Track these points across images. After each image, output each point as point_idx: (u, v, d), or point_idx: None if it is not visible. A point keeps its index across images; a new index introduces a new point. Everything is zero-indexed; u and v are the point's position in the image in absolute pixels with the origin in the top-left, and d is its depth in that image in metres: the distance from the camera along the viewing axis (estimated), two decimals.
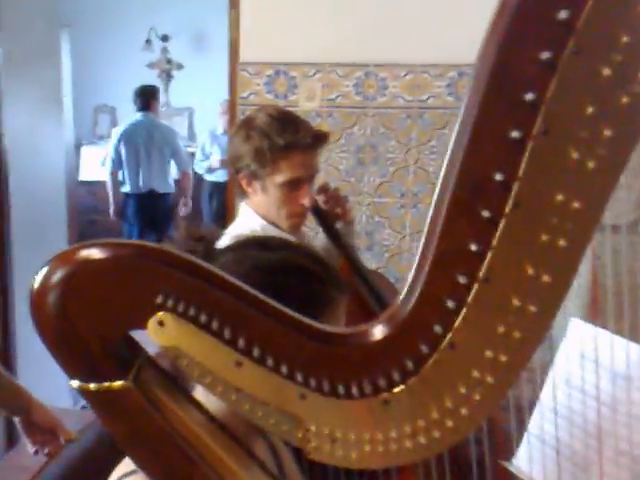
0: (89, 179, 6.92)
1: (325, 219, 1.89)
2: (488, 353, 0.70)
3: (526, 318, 0.69)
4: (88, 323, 0.68)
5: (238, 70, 2.68)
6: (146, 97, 5.38)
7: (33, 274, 0.68)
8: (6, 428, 2.95)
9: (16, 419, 1.50)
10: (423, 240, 0.69)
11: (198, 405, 0.83)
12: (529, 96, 0.64)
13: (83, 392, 0.71)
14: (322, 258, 0.95)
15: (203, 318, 0.68)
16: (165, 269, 0.68)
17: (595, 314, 2.23)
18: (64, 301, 0.67)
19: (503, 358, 0.70)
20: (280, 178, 1.67)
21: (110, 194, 5.47)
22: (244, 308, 0.69)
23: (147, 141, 5.31)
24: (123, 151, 5.33)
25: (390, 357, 0.70)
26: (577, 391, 1.26)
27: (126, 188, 5.46)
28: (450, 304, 0.68)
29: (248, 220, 1.74)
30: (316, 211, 1.87)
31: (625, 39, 0.63)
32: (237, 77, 2.69)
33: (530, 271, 0.68)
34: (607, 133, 0.65)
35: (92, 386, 0.71)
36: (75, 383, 0.71)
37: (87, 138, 7.85)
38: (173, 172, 5.70)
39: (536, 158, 0.65)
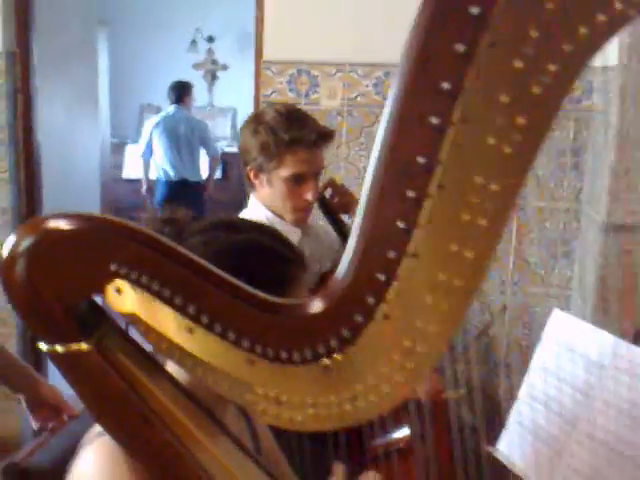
0: (133, 177, 7.10)
1: (332, 213, 1.97)
2: (418, 323, 0.76)
3: (452, 291, 0.75)
4: (51, 288, 0.77)
5: (262, 69, 2.78)
6: (179, 92, 5.67)
7: None
8: None
9: (21, 396, 1.61)
10: (357, 220, 0.76)
11: (167, 375, 0.92)
12: (448, 86, 0.70)
13: (50, 354, 0.80)
14: (287, 240, 1.03)
15: (156, 286, 0.76)
16: (122, 240, 0.77)
17: (602, 312, 2.25)
18: (29, 268, 0.76)
19: (432, 328, 0.76)
20: (285, 172, 1.74)
21: (142, 174, 5.86)
22: (195, 279, 0.78)
23: (178, 132, 5.59)
24: (156, 141, 5.61)
25: (329, 327, 0.77)
26: (555, 378, 1.31)
27: (159, 174, 5.67)
28: (382, 277, 0.75)
29: (255, 211, 1.82)
30: (323, 205, 1.95)
31: (535, 34, 0.70)
32: (260, 75, 2.78)
33: (454, 247, 0.74)
34: (521, 121, 0.71)
35: (58, 348, 0.80)
36: (44, 346, 0.80)
37: (132, 137, 8.05)
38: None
39: (456, 143, 0.72)
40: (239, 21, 7.54)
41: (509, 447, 1.35)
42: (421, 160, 0.72)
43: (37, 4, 3.10)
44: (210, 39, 8.23)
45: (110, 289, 0.77)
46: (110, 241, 0.77)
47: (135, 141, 7.86)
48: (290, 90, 2.78)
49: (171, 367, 0.94)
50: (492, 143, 0.72)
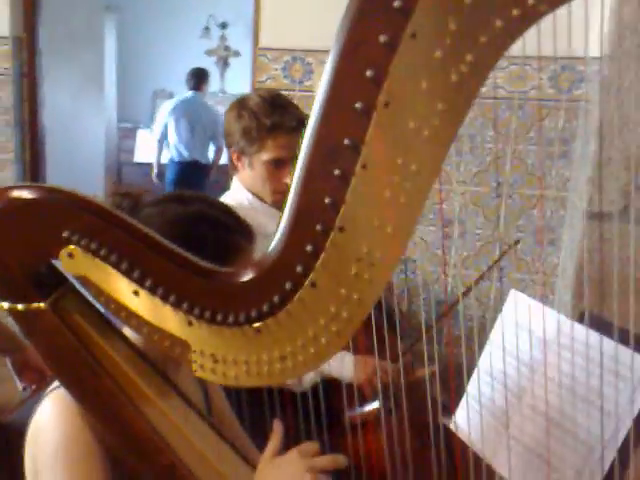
0: (143, 161, 7.19)
1: None
2: (343, 291, 0.83)
3: (374, 262, 0.82)
4: (11, 252, 0.85)
5: (258, 55, 2.84)
6: (198, 78, 5.80)
7: None
8: None
9: (7, 359, 1.70)
10: (289, 197, 0.82)
11: (121, 336, 0.99)
12: (372, 73, 0.76)
13: (11, 312, 0.88)
14: (234, 212, 1.09)
15: (104, 252, 0.84)
16: (75, 210, 0.84)
17: (580, 298, 2.31)
18: None
19: (355, 296, 0.83)
20: (265, 156, 1.80)
21: (155, 158, 5.89)
22: (141, 246, 0.85)
23: (194, 116, 5.72)
24: (171, 123, 5.72)
25: (261, 293, 0.84)
26: (506, 354, 1.37)
27: (172, 155, 5.80)
28: (310, 248, 0.82)
29: (236, 193, 1.88)
30: None
31: (453, 26, 0.75)
32: (257, 62, 2.84)
33: (376, 222, 0.81)
34: (440, 106, 0.77)
35: (19, 307, 0.87)
36: (5, 304, 0.87)
37: (144, 122, 8.13)
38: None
39: (379, 126, 0.78)
40: (252, 8, 7.54)
41: (463, 419, 1.41)
42: (347, 141, 0.79)
43: None
44: (223, 25, 8.28)
45: (64, 254, 0.84)
46: (64, 211, 0.84)
47: (147, 126, 7.95)
48: (285, 77, 2.83)
49: (128, 330, 1.01)
50: (413, 127, 0.78)
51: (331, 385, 1.80)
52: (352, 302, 0.83)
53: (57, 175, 3.41)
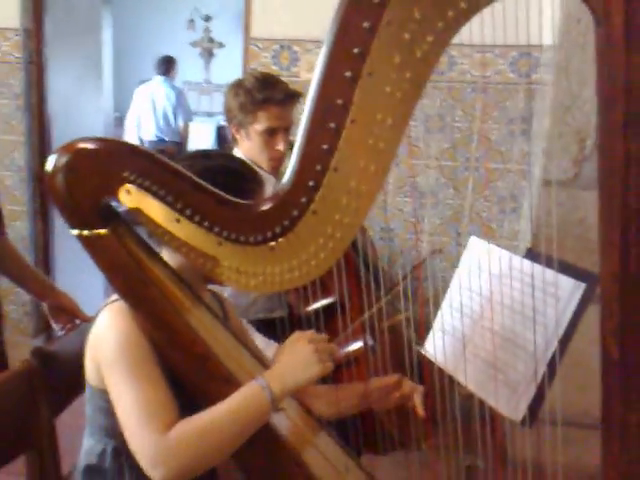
0: None
1: None
2: (337, 217, 1.07)
3: (360, 194, 1.06)
4: (81, 190, 1.08)
5: (249, 44, 3.07)
6: (164, 65, 6.41)
7: None
8: None
9: (44, 304, 1.92)
10: (296, 146, 1.06)
11: (161, 258, 1.22)
12: (358, 50, 1.00)
13: (80, 237, 1.11)
14: (249, 164, 1.34)
15: (154, 188, 1.07)
16: (131, 155, 1.07)
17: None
18: (66, 176, 1.07)
19: (346, 220, 1.07)
20: (259, 127, 2.03)
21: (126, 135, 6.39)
22: (182, 184, 1.08)
23: (161, 98, 6.31)
24: (141, 104, 6.32)
25: (274, 219, 1.08)
26: (467, 290, 1.62)
27: (141, 134, 6.29)
28: (312, 184, 1.06)
29: None
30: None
31: (418, 15, 0.99)
32: (248, 51, 3.07)
33: (362, 163, 1.05)
34: (408, 75, 1.02)
35: (85, 232, 1.10)
36: (75, 231, 1.11)
37: None
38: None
39: (364, 90, 1.02)
40: (235, 1, 7.73)
41: (432, 346, 1.66)
42: (339, 101, 1.02)
43: None
44: (207, 18, 8.46)
45: (122, 190, 1.07)
46: (123, 156, 1.07)
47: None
48: (274, 64, 3.06)
49: (164, 255, 1.24)
50: (388, 91, 1.02)
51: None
52: (343, 225, 1.08)
53: None
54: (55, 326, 1.93)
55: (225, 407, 1.11)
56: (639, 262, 0.94)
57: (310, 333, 1.19)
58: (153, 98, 6.29)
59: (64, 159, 1.08)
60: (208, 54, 8.78)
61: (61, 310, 1.91)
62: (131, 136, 6.26)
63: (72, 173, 1.08)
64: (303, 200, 1.06)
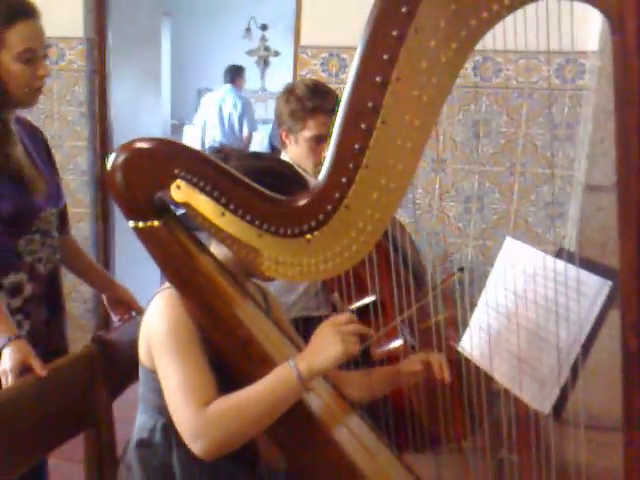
0: None
1: None
2: (368, 211, 1.16)
3: (389, 190, 1.14)
4: (137, 185, 1.19)
5: (299, 52, 3.18)
6: (231, 73, 6.69)
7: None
8: None
9: (104, 296, 2.06)
10: (330, 146, 1.15)
11: (209, 251, 1.33)
12: (387, 57, 1.09)
13: (135, 229, 1.22)
14: (294, 168, 1.43)
15: (202, 184, 1.17)
16: (182, 154, 1.18)
17: None
18: (124, 173, 1.19)
19: (376, 215, 1.16)
20: (308, 133, 2.12)
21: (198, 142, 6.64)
22: (227, 181, 1.19)
23: (228, 106, 6.54)
24: (209, 111, 6.59)
25: (310, 213, 1.17)
26: (502, 289, 1.68)
27: (205, 139, 6.56)
28: (345, 180, 1.15)
29: None
30: None
31: (443, 24, 1.07)
32: (298, 58, 3.18)
33: (391, 162, 1.13)
34: (434, 80, 1.10)
35: (140, 224, 1.21)
36: (131, 223, 1.22)
37: (190, 118, 8.54)
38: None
39: (393, 93, 1.10)
40: (291, 10, 7.86)
41: (468, 343, 1.72)
42: (370, 104, 1.11)
43: None
44: (263, 27, 8.62)
45: (173, 186, 1.18)
46: (174, 155, 1.18)
47: (192, 122, 8.35)
48: (322, 71, 3.16)
49: (212, 248, 1.35)
50: (416, 94, 1.10)
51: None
52: (374, 220, 1.16)
53: None
54: (113, 316, 2.06)
55: (259, 386, 1.21)
56: None
57: (336, 317, 1.26)
58: (221, 105, 6.54)
59: (122, 157, 1.20)
60: (264, 62, 8.96)
61: (119, 302, 2.05)
62: (195, 140, 6.50)
63: (129, 170, 1.19)
64: (337, 196, 1.15)
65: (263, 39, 8.73)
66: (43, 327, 1.87)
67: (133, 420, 1.47)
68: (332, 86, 2.35)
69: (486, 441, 1.82)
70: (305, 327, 1.97)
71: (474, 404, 1.71)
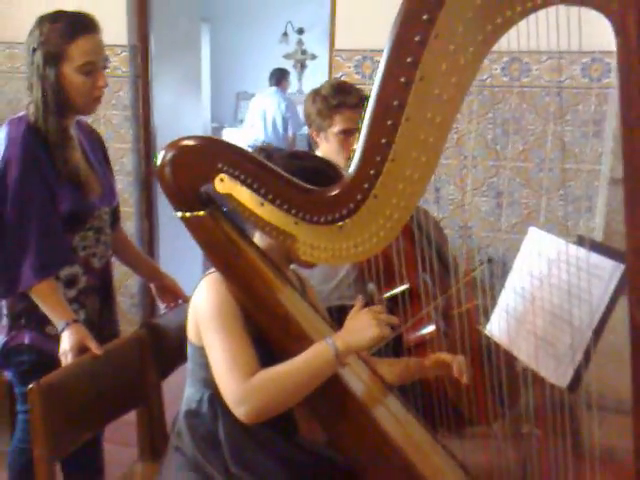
0: None
1: None
2: (394, 200, 1.27)
3: (413, 181, 1.25)
4: (185, 178, 1.33)
5: (333, 56, 3.30)
6: (276, 76, 6.99)
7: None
8: None
9: (152, 285, 2.21)
10: (359, 140, 1.26)
11: (250, 239, 1.45)
12: (411, 59, 1.20)
13: (182, 218, 1.35)
14: (332, 164, 1.55)
15: (243, 177, 1.30)
16: (225, 150, 1.31)
17: None
18: (172, 167, 1.32)
19: (402, 203, 1.27)
20: (336, 129, 2.23)
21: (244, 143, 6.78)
22: (265, 174, 1.31)
23: (273, 107, 6.80)
24: (255, 113, 6.84)
25: (342, 202, 1.29)
26: (526, 274, 1.77)
27: (250, 141, 6.70)
28: (373, 172, 1.26)
29: None
30: None
31: (461, 29, 1.18)
32: (333, 61, 3.30)
33: (415, 155, 1.24)
34: (453, 80, 1.20)
35: (187, 214, 1.34)
36: (179, 213, 1.35)
37: (229, 122, 8.72)
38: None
39: (416, 93, 1.21)
40: (326, 13, 7.96)
41: (494, 326, 1.82)
42: (395, 102, 1.22)
43: (153, 5, 3.71)
44: (300, 31, 8.74)
45: (217, 179, 1.31)
46: (217, 150, 1.31)
47: (232, 125, 8.54)
48: (357, 73, 3.28)
49: (255, 238, 1.47)
50: (437, 93, 1.21)
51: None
52: (400, 208, 1.28)
53: None
54: (160, 304, 2.20)
55: (298, 360, 1.33)
56: None
57: (372, 307, 1.38)
58: (264, 108, 6.79)
59: (170, 154, 1.33)
60: (300, 66, 9.09)
61: (166, 290, 2.19)
62: (241, 141, 6.69)
63: (177, 165, 1.32)
64: (366, 186, 1.27)
65: (300, 43, 8.85)
66: (96, 316, 2.02)
67: (181, 400, 1.60)
68: (366, 87, 2.46)
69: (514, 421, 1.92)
70: (339, 315, 2.09)
71: (503, 388, 1.81)
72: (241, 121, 8.76)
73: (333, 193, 1.30)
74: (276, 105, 6.75)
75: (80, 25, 1.84)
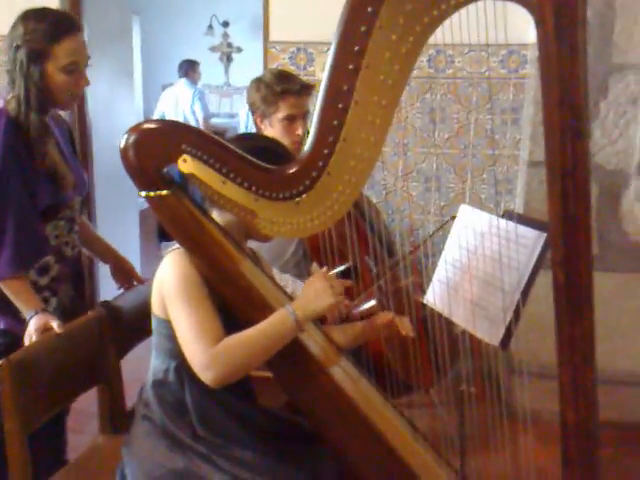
0: None
1: None
2: (346, 177, 1.38)
3: (363, 159, 1.37)
4: (148, 159, 1.41)
5: (268, 47, 3.40)
6: (184, 68, 7.06)
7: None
8: None
9: (109, 265, 2.26)
10: (313, 122, 1.37)
11: (211, 217, 1.54)
12: (358, 48, 1.31)
13: (147, 197, 1.43)
14: (281, 144, 1.66)
15: (205, 157, 1.39)
16: (186, 132, 1.40)
17: None
18: (135, 150, 1.40)
19: (353, 179, 1.39)
20: (280, 115, 2.33)
21: None
22: (227, 154, 1.40)
23: (183, 98, 6.89)
24: (166, 105, 6.94)
25: (298, 179, 1.39)
26: (458, 247, 1.92)
27: None
28: (326, 151, 1.37)
29: None
30: None
31: (402, 20, 1.30)
32: (267, 53, 3.40)
33: (364, 135, 1.36)
34: (396, 67, 1.32)
35: (151, 194, 1.43)
36: (143, 193, 1.43)
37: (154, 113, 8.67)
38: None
39: (363, 78, 1.32)
40: (251, 7, 8.03)
41: (431, 295, 1.97)
42: (345, 87, 1.33)
43: None
44: (225, 24, 8.77)
45: (180, 160, 1.39)
46: (180, 132, 1.40)
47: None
48: (291, 64, 3.39)
49: (213, 215, 1.56)
50: (382, 79, 1.33)
51: None
52: (351, 184, 1.39)
53: (101, 151, 3.96)
54: (115, 284, 2.26)
55: (260, 327, 1.43)
56: (576, 206, 1.22)
57: (326, 272, 1.50)
58: (177, 99, 6.85)
59: (134, 137, 1.41)
60: (227, 58, 9.11)
61: (121, 272, 2.25)
62: None
63: (140, 147, 1.40)
64: (320, 164, 1.38)
65: (225, 36, 8.88)
66: (69, 303, 2.08)
67: (140, 378, 1.68)
68: (302, 78, 2.57)
69: (449, 382, 2.08)
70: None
71: (439, 355, 1.96)
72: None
73: (291, 171, 1.40)
74: (186, 96, 6.87)
75: (65, 25, 1.88)
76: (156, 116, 6.97)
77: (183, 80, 6.93)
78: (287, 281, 2.16)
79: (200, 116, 6.77)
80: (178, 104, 6.82)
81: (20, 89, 1.86)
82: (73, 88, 1.93)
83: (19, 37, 1.85)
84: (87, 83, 1.96)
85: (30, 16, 1.87)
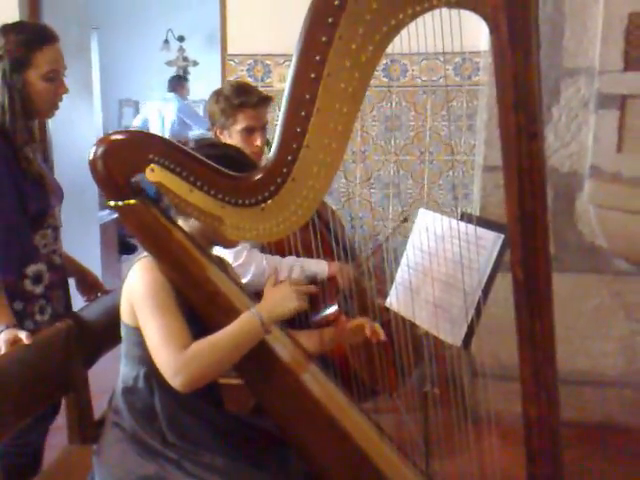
0: None
1: None
2: (310, 182, 1.40)
3: (326, 164, 1.38)
4: (116, 170, 1.40)
5: (226, 60, 3.41)
6: (172, 83, 7.41)
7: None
8: None
9: (74, 279, 2.24)
10: (277, 129, 1.38)
11: (178, 225, 1.54)
12: (319, 57, 1.32)
13: (115, 207, 1.43)
14: (242, 151, 1.66)
15: (172, 166, 1.39)
16: (154, 142, 1.40)
17: None
18: (104, 161, 1.40)
19: (317, 186, 1.40)
20: (239, 126, 2.35)
21: None
22: (193, 162, 1.41)
23: (168, 112, 7.14)
24: (152, 118, 7.12)
25: (263, 186, 1.40)
26: (418, 250, 1.95)
27: None
28: (290, 158, 1.38)
29: None
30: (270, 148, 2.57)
31: (361, 31, 1.32)
32: (225, 65, 3.41)
33: (326, 141, 1.37)
34: (356, 75, 1.34)
35: (120, 203, 1.42)
36: (112, 202, 1.42)
37: (113, 127, 8.58)
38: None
39: (325, 87, 1.34)
40: (206, 21, 8.01)
41: (393, 298, 1.99)
42: (307, 96, 1.34)
43: (44, 12, 3.68)
44: (181, 38, 8.73)
45: (148, 169, 1.39)
46: (147, 143, 1.40)
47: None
48: (249, 76, 3.40)
49: (179, 222, 1.56)
50: (343, 87, 1.34)
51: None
52: (315, 189, 1.41)
53: (61, 165, 3.91)
54: (82, 297, 2.24)
55: (227, 330, 1.44)
56: (533, 204, 1.25)
57: (290, 279, 1.52)
58: (162, 113, 7.15)
59: (102, 148, 1.40)
60: (184, 72, 9.07)
61: (86, 284, 2.23)
62: None
63: (108, 158, 1.40)
64: (284, 170, 1.39)
65: (181, 50, 8.84)
66: (63, 310, 2.09)
67: (108, 389, 1.66)
68: (259, 89, 2.58)
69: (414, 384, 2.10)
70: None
71: (404, 359, 1.98)
72: (126, 127, 8.66)
73: (255, 178, 1.41)
74: (172, 110, 7.09)
75: (45, 35, 1.95)
76: (137, 122, 7.26)
77: (171, 95, 7.27)
78: (292, 265, 2.22)
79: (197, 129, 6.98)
80: (165, 119, 7.05)
81: (4, 97, 1.90)
82: (53, 96, 1.98)
83: (0, 48, 1.90)
84: (66, 91, 2.01)
85: (9, 29, 1.93)
